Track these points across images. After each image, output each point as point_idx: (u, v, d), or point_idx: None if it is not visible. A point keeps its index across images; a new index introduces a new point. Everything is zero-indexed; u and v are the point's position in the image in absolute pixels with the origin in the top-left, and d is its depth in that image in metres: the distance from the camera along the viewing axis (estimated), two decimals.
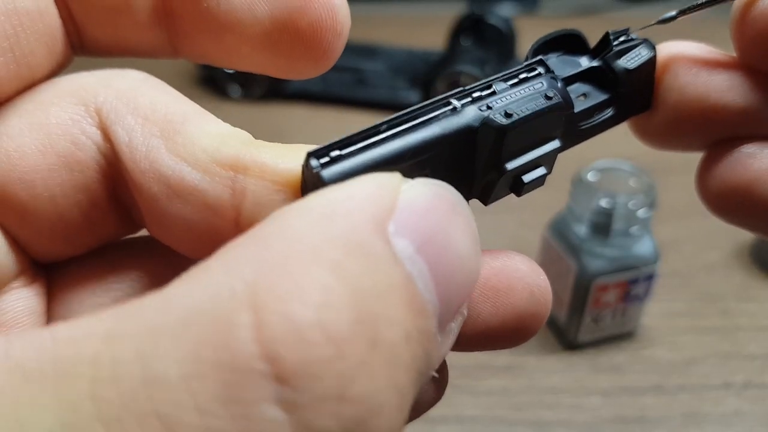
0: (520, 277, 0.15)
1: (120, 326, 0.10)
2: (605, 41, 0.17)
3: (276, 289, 0.10)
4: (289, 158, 0.14)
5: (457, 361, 0.46)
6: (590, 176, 0.44)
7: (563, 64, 0.17)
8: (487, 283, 0.15)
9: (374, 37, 0.78)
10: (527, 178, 0.15)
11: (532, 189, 0.16)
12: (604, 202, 0.42)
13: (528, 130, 0.15)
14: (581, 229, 0.43)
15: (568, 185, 0.44)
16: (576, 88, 0.17)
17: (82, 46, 0.16)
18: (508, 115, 0.14)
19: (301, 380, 0.09)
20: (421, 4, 0.96)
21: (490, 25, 0.71)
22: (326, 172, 0.13)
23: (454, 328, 0.13)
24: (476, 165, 0.15)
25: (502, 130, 0.14)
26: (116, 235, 0.17)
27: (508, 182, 0.15)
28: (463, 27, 0.72)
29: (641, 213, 0.42)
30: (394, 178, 0.12)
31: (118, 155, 0.14)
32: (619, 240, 0.42)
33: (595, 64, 0.17)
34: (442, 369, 0.16)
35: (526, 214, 0.56)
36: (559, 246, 0.44)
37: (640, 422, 0.42)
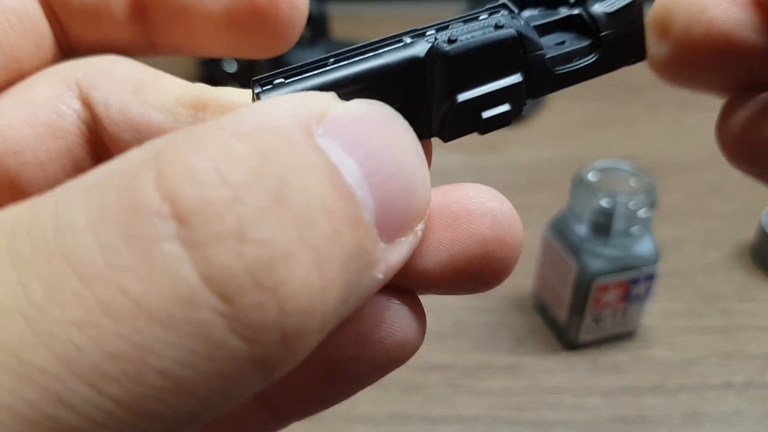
0: (480, 202, 0.15)
1: (42, 198, 0.10)
2: None
3: (179, 147, 0.10)
4: (245, 95, 0.15)
5: (458, 361, 0.46)
6: (591, 176, 0.44)
7: (543, 17, 0.16)
8: (446, 211, 0.15)
9: (374, 37, 0.78)
10: (487, 114, 0.15)
11: (495, 127, 0.15)
12: (604, 202, 0.42)
13: (477, 60, 0.15)
14: (582, 229, 0.43)
15: (568, 185, 0.44)
16: (554, 37, 0.16)
17: (69, 46, 0.17)
18: (451, 41, 0.14)
19: (198, 218, 0.09)
20: (421, 4, 0.96)
21: None
22: (265, 96, 0.13)
23: (405, 242, 0.13)
24: (429, 100, 0.15)
25: (445, 56, 0.14)
26: None
27: (467, 117, 0.15)
28: None
29: (642, 213, 0.42)
30: (327, 94, 0.12)
31: (97, 116, 0.16)
32: (619, 240, 0.42)
33: (574, 12, 0.16)
34: (416, 302, 0.16)
35: (527, 214, 0.56)
36: (560, 246, 0.44)
37: (640, 422, 0.42)
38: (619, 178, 0.45)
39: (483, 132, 0.15)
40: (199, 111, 0.15)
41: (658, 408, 0.43)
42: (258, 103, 0.12)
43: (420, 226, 0.13)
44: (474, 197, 0.15)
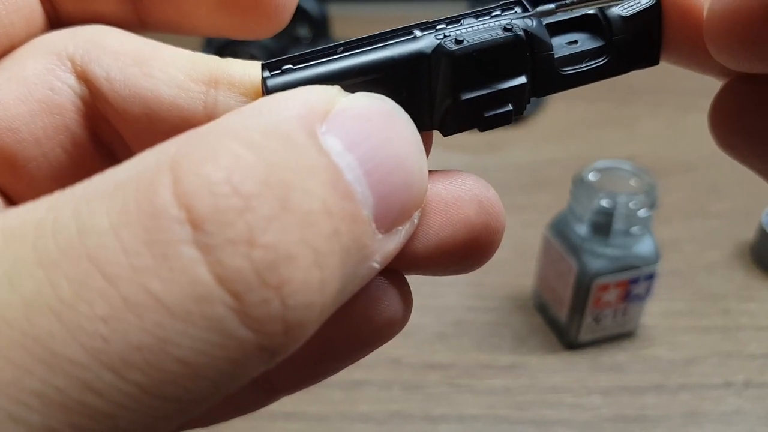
0: (468, 189, 0.15)
1: (60, 198, 0.11)
2: None
3: (193, 155, 0.11)
4: (255, 71, 0.16)
5: (459, 360, 0.46)
6: (591, 176, 0.44)
7: (560, 14, 0.16)
8: (436, 197, 0.15)
9: None
10: (489, 112, 0.15)
11: (495, 125, 0.15)
12: (604, 202, 0.42)
13: (483, 62, 0.15)
14: (582, 229, 0.44)
15: (569, 185, 0.44)
16: (567, 36, 0.16)
17: (59, 20, 0.17)
18: (458, 42, 0.14)
19: (212, 225, 0.10)
20: (422, 4, 0.96)
21: None
22: (271, 81, 0.14)
23: (402, 231, 0.13)
24: (432, 94, 0.15)
25: (450, 56, 0.14)
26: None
27: (468, 115, 0.15)
28: None
29: (642, 213, 0.42)
30: (332, 89, 0.13)
31: (98, 90, 0.15)
32: (619, 240, 0.43)
33: (590, 11, 0.16)
34: (403, 282, 0.16)
35: (528, 214, 0.56)
36: (560, 246, 0.45)
37: (640, 421, 0.42)
38: (619, 178, 0.45)
39: (482, 129, 0.16)
40: (211, 89, 0.15)
41: (659, 407, 0.43)
42: (264, 102, 0.12)
43: (416, 214, 0.14)
44: (462, 184, 0.15)
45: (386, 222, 0.13)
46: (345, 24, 0.80)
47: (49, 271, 0.10)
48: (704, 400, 0.43)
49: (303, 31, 0.71)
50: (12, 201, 0.16)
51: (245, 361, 0.11)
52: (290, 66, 0.14)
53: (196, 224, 0.10)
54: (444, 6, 0.87)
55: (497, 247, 0.16)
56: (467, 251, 0.15)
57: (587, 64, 0.16)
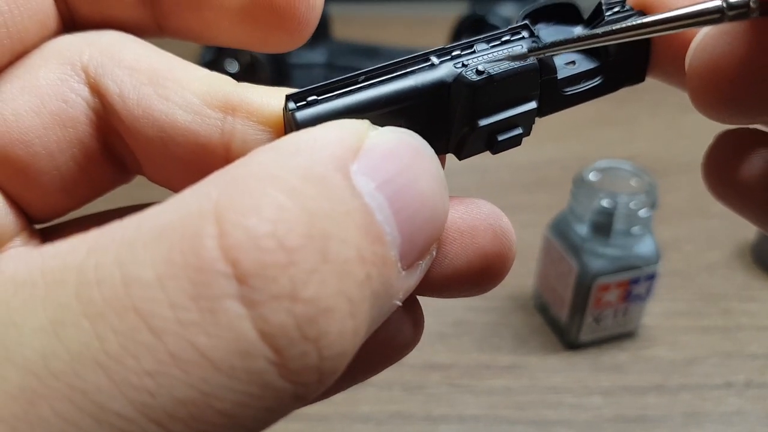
0: (483, 218, 0.16)
1: (100, 241, 0.11)
2: (598, 11, 0.17)
3: (237, 206, 0.11)
4: (274, 99, 0.15)
5: (460, 360, 0.46)
6: (591, 176, 0.44)
7: (555, 33, 0.17)
8: (452, 226, 0.15)
9: (375, 37, 0.78)
10: (502, 136, 0.16)
11: (508, 147, 0.16)
12: (605, 202, 0.42)
13: (501, 89, 0.15)
14: (582, 229, 0.43)
15: (569, 185, 0.44)
16: (565, 56, 0.17)
17: (73, 24, 0.17)
18: (479, 73, 0.15)
19: (258, 280, 0.10)
20: (422, 4, 0.96)
21: (492, 25, 0.72)
22: (300, 114, 0.14)
23: (422, 265, 0.14)
24: (451, 120, 0.15)
25: (472, 86, 0.15)
26: (112, 184, 0.18)
27: (483, 139, 0.16)
28: (465, 27, 0.73)
29: (642, 213, 0.42)
30: (362, 124, 0.13)
31: (111, 106, 0.15)
32: (620, 240, 0.43)
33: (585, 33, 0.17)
34: (417, 309, 0.16)
35: (528, 214, 0.56)
36: (561, 246, 0.45)
37: (641, 421, 0.42)
38: (619, 178, 0.45)
39: (495, 152, 0.16)
40: (228, 116, 0.15)
41: (659, 407, 0.43)
42: (298, 139, 0.12)
43: (434, 247, 0.14)
44: (478, 212, 0.16)
45: (410, 259, 0.13)
46: (345, 24, 0.80)
47: (95, 322, 0.10)
48: (705, 400, 0.43)
49: None
50: (23, 209, 0.16)
51: (279, 409, 0.11)
52: (315, 97, 0.14)
53: (242, 279, 0.10)
54: (444, 6, 0.87)
55: (507, 273, 0.16)
56: (479, 278, 0.16)
57: (585, 84, 0.17)
